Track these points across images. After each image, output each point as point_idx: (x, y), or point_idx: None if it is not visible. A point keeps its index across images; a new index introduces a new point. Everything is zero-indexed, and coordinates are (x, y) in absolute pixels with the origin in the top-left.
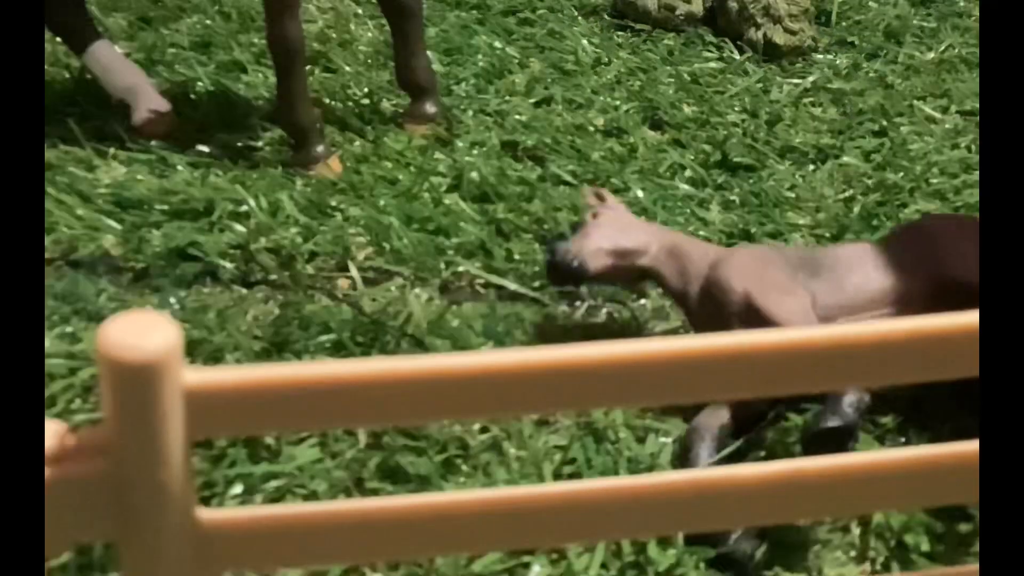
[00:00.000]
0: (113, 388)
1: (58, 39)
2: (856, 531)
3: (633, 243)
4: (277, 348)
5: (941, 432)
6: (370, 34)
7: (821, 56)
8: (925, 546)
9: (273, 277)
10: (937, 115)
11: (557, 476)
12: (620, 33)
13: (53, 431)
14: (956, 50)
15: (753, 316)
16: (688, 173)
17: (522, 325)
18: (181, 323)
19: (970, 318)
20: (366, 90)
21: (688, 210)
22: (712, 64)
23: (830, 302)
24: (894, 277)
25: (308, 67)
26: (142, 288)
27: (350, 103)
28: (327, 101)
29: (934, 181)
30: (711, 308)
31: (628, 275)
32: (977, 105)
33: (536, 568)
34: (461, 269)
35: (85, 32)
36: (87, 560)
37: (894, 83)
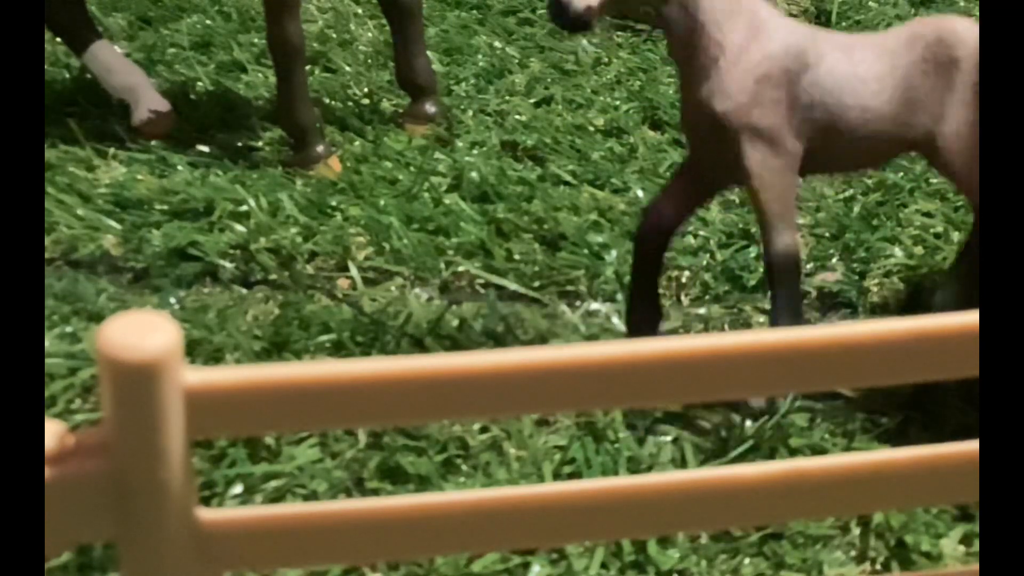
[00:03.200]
0: (113, 388)
1: (58, 39)
2: (856, 531)
3: None
4: (277, 348)
5: (942, 432)
6: (370, 34)
7: None
8: (925, 546)
9: (273, 277)
10: None
11: (557, 476)
12: (620, 33)
13: (53, 431)
14: None
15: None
16: None
17: (522, 325)
18: (181, 323)
19: (970, 318)
20: (366, 90)
21: None
22: None
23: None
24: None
25: (308, 67)
26: (142, 288)
27: (350, 103)
28: (327, 101)
29: (934, 181)
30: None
31: (632, 7)
32: None
33: (536, 568)
34: (461, 269)
35: (85, 32)
36: (87, 560)
37: None
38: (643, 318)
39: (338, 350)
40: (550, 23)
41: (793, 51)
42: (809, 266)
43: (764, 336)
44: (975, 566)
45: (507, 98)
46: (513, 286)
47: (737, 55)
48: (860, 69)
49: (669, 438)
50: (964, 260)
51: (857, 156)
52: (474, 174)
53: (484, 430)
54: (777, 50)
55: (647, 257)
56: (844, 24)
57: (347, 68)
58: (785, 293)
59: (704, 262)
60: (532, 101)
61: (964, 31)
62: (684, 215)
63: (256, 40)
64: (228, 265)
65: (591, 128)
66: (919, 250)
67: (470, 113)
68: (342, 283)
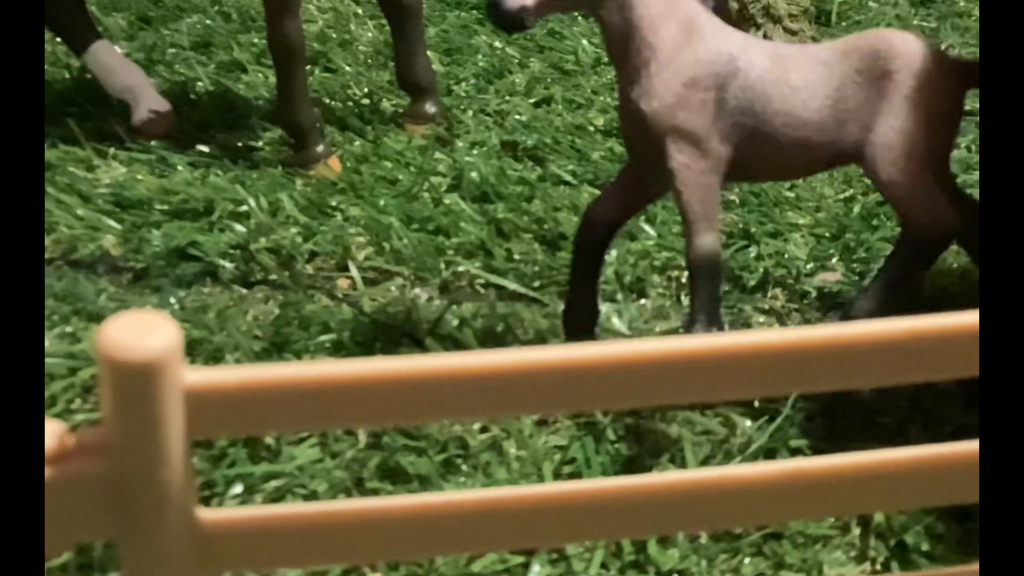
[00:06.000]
0: (113, 388)
1: (58, 39)
2: (856, 531)
3: None
4: (277, 348)
5: (942, 432)
6: (370, 34)
7: None
8: (925, 546)
9: (273, 277)
10: None
11: (557, 476)
12: None
13: (53, 431)
14: (956, 50)
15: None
16: None
17: (522, 325)
18: (181, 323)
19: (970, 318)
20: (366, 90)
21: None
22: None
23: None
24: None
25: (308, 67)
26: (142, 288)
27: (350, 103)
28: (327, 101)
29: None
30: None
31: (569, 7)
32: (977, 105)
33: (536, 568)
34: (461, 269)
35: (85, 32)
36: (87, 560)
37: None
38: (580, 320)
39: (338, 350)
40: (549, 25)
41: (725, 56)
42: (809, 266)
43: (764, 336)
44: (975, 566)
45: (507, 98)
46: (513, 286)
47: (669, 58)
48: (791, 77)
49: (669, 438)
50: (888, 268)
51: (785, 164)
52: (474, 174)
53: (484, 430)
54: (709, 54)
55: (585, 259)
56: (844, 24)
57: (347, 68)
58: (705, 294)
59: None
60: (532, 101)
61: (900, 44)
62: (623, 218)
63: (256, 40)
64: (228, 265)
65: (591, 128)
66: None
67: (470, 113)
68: (342, 283)
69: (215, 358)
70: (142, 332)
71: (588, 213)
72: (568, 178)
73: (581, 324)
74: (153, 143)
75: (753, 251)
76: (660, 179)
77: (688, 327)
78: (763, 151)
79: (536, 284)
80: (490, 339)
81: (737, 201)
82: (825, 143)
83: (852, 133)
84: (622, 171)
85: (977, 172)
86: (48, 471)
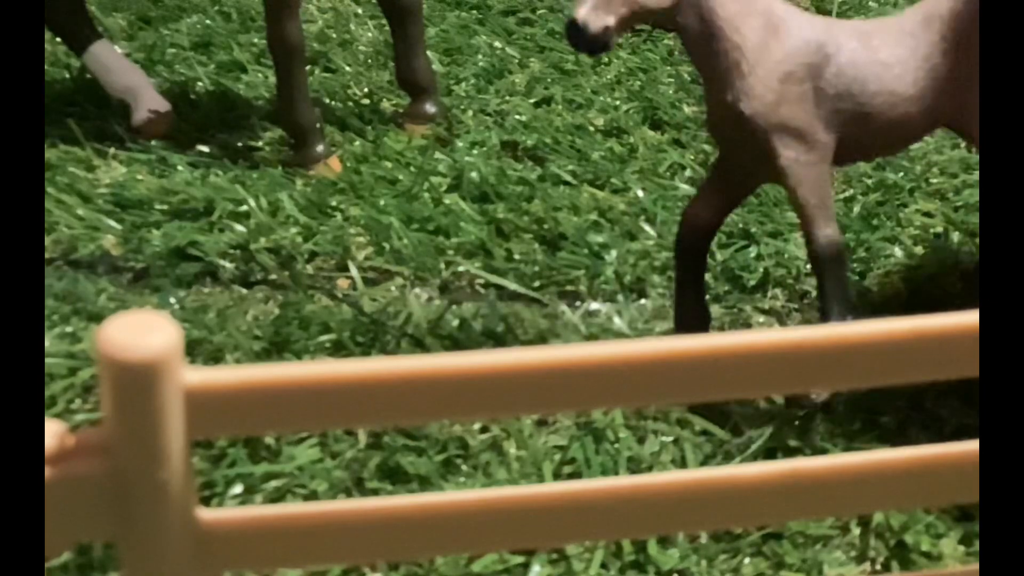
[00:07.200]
0: (113, 388)
1: (58, 39)
2: (856, 531)
3: None
4: (277, 348)
5: (942, 432)
6: (370, 34)
7: None
8: (925, 546)
9: (273, 277)
10: None
11: (557, 476)
12: None
13: (53, 431)
14: None
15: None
16: (688, 173)
17: (522, 325)
18: (181, 323)
19: (970, 318)
20: (366, 90)
21: None
22: None
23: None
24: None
25: (308, 67)
26: (142, 288)
27: (350, 103)
28: (327, 101)
29: (934, 181)
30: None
31: (648, 19)
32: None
33: (536, 568)
34: (461, 269)
35: (85, 32)
36: (87, 560)
37: None
38: (692, 322)
39: (338, 350)
40: (549, 25)
41: (813, 45)
42: (809, 266)
43: (764, 336)
44: (975, 566)
45: (507, 98)
46: (513, 286)
47: (758, 55)
48: (881, 55)
49: (669, 438)
50: None
51: (890, 140)
52: (474, 174)
53: (484, 430)
54: (797, 46)
55: (688, 261)
56: None
57: (347, 68)
58: (834, 285)
59: None
60: (532, 101)
61: (976, 4)
62: (721, 216)
63: (256, 40)
64: (228, 265)
65: (591, 128)
66: (919, 250)
67: (470, 113)
68: (342, 283)
69: (215, 358)
70: (142, 332)
71: (686, 215)
72: (568, 178)
73: (694, 327)
74: (153, 143)
75: (753, 251)
76: (757, 176)
77: (824, 317)
78: (867, 131)
79: (536, 284)
80: (490, 339)
81: None
82: (924, 113)
83: (949, 99)
84: (714, 170)
85: (977, 172)
86: (48, 471)
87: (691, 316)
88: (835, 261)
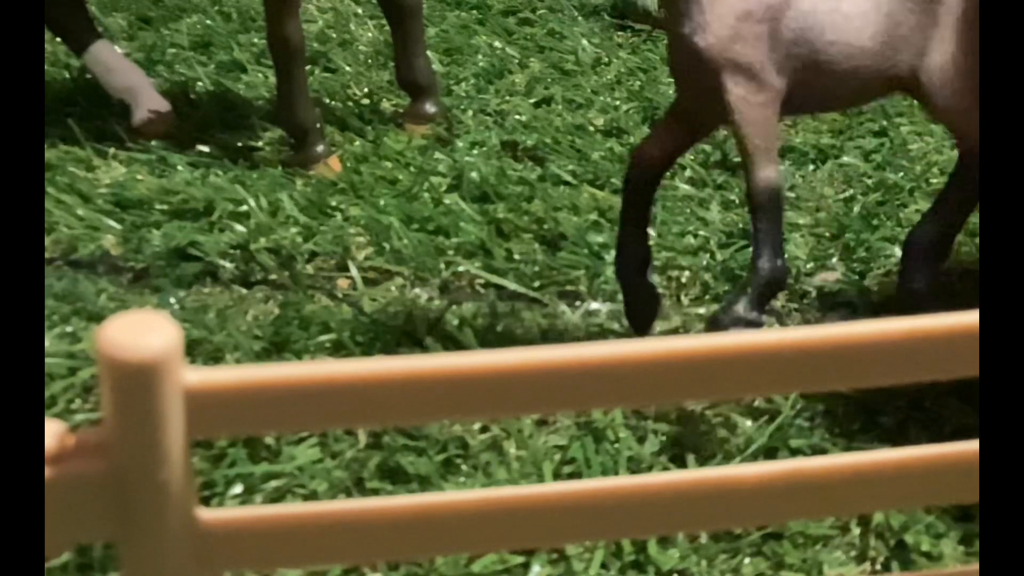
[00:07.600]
0: (113, 388)
1: (58, 39)
2: (856, 531)
3: None
4: (277, 348)
5: (942, 432)
6: (370, 34)
7: None
8: (925, 546)
9: (273, 277)
10: None
11: (557, 476)
12: (620, 33)
13: (53, 431)
14: None
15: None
16: (688, 173)
17: (522, 325)
18: (181, 323)
19: (970, 318)
20: (366, 90)
21: (688, 210)
22: None
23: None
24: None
25: (308, 67)
26: (142, 288)
27: (350, 103)
28: (327, 101)
29: (934, 181)
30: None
31: None
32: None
33: (536, 568)
34: (461, 269)
35: (85, 32)
36: (87, 560)
37: None
38: (631, 263)
39: (338, 350)
40: (549, 25)
41: None
42: (809, 266)
43: (764, 336)
44: (975, 566)
45: (507, 98)
46: (513, 286)
47: None
48: (844, 6)
49: (669, 438)
50: (948, 191)
51: (840, 94)
52: (474, 174)
53: (484, 430)
54: None
55: (634, 200)
56: None
57: (347, 68)
58: (767, 227)
59: (704, 262)
60: (532, 101)
61: None
62: (672, 157)
63: (256, 40)
64: (228, 265)
65: (591, 128)
66: None
67: (470, 113)
68: (342, 283)
69: (215, 358)
70: (142, 332)
71: (636, 153)
72: (568, 178)
73: (633, 267)
74: (153, 143)
75: None
76: (711, 116)
77: (754, 260)
78: (819, 81)
79: (536, 284)
80: (490, 339)
81: (737, 201)
82: (880, 70)
83: (906, 60)
84: (670, 110)
85: None
86: (48, 471)
87: (631, 253)
88: (771, 204)
